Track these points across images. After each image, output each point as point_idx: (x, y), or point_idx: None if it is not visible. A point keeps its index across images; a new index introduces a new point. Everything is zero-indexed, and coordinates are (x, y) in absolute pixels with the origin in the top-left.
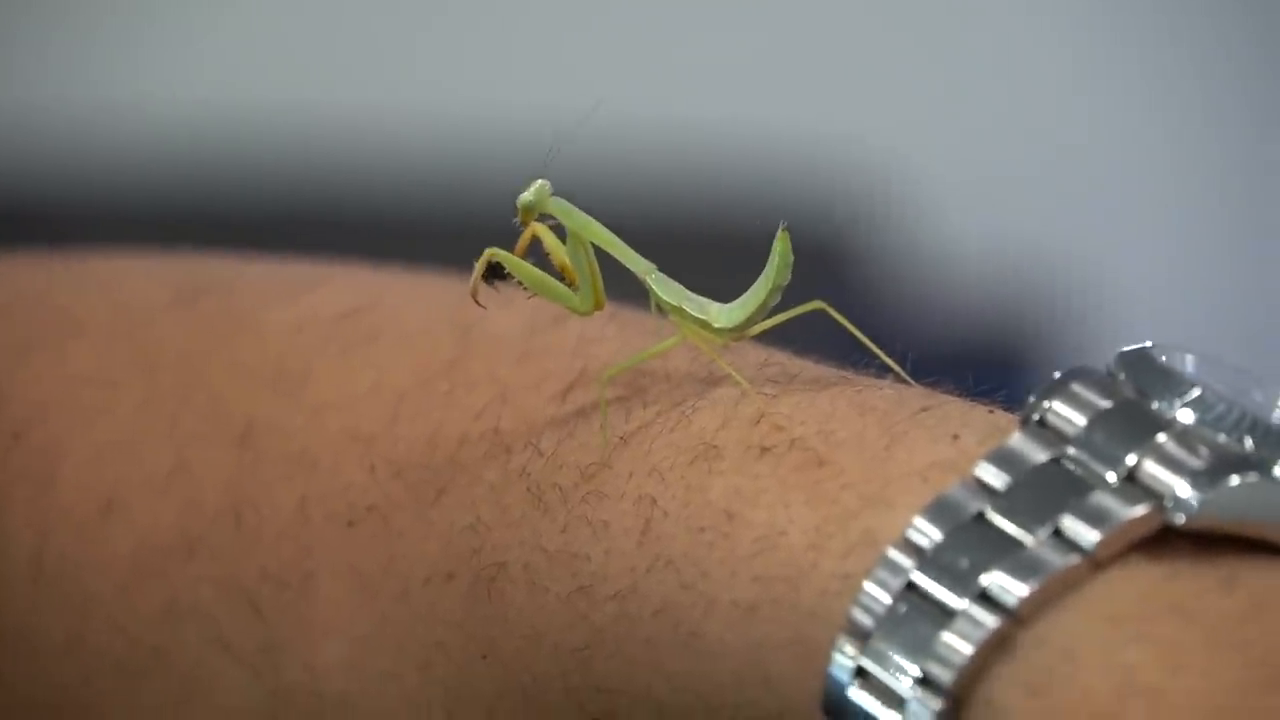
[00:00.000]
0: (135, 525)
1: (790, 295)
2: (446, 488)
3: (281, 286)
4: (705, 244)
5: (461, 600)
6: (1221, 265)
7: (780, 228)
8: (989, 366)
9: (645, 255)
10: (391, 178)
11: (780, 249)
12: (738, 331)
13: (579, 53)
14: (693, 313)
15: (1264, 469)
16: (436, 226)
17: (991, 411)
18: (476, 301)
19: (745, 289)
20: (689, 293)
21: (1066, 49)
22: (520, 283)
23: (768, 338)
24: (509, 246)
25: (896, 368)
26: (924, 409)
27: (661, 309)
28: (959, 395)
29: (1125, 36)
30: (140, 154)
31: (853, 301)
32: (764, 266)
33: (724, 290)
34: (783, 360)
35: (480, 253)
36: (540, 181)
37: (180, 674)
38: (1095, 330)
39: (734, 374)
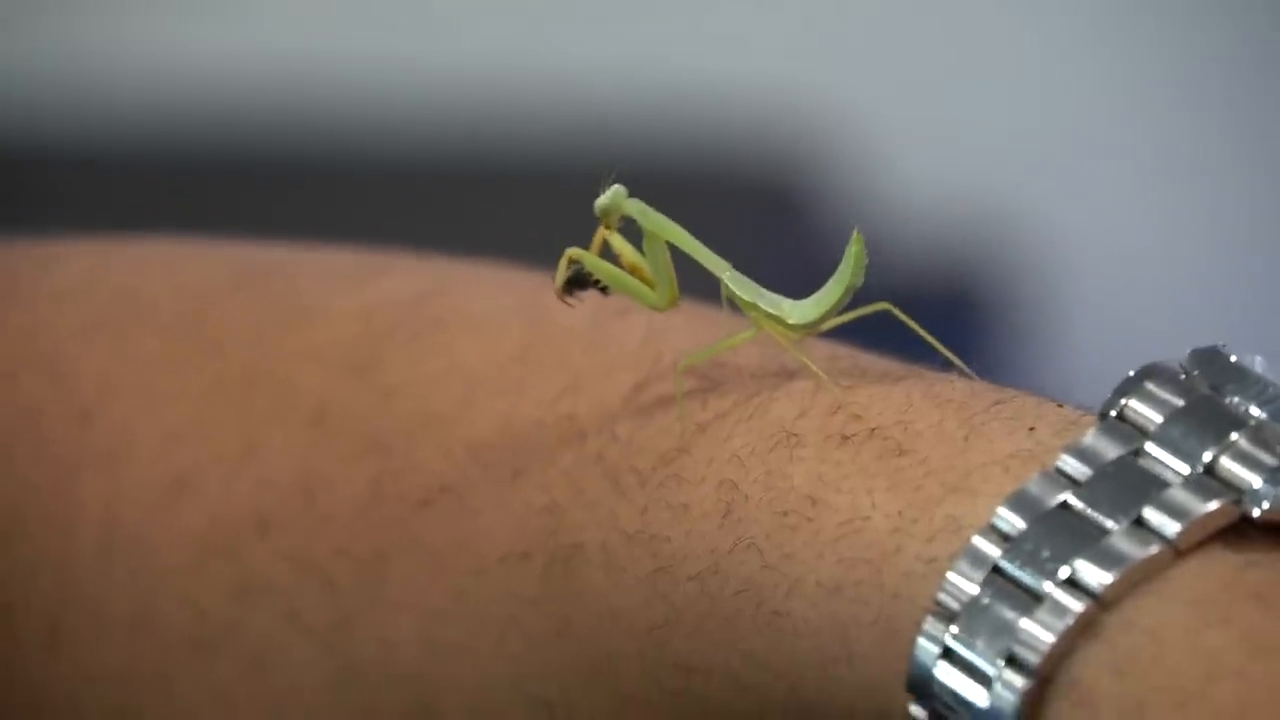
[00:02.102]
0: (208, 503)
1: (749, 243)
2: (522, 470)
3: (345, 273)
4: (659, 189)
5: (537, 578)
6: (1176, 213)
7: (855, 231)
8: (942, 311)
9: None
10: (391, 128)
11: (854, 251)
12: (811, 328)
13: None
14: (767, 309)
15: None
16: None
17: (1061, 406)
18: (564, 300)
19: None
20: (764, 290)
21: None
22: (598, 282)
23: (831, 335)
24: (509, 199)
25: (961, 364)
26: (998, 402)
27: (734, 304)
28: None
29: None
30: (152, 106)
31: (806, 246)
32: (714, 211)
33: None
34: (851, 354)
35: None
36: (616, 186)
37: (252, 648)
38: (1048, 276)
39: (810, 365)
